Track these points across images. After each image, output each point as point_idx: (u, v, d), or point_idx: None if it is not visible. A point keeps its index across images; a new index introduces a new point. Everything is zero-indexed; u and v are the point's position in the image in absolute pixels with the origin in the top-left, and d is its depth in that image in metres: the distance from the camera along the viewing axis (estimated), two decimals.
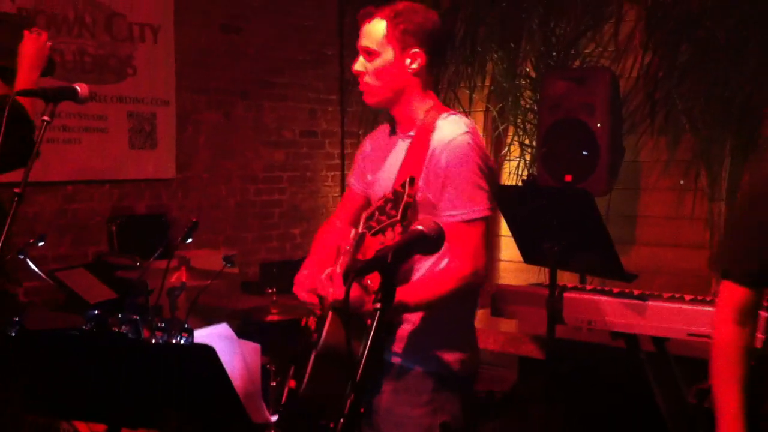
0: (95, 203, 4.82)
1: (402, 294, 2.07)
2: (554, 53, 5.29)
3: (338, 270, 2.13)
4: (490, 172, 2.26)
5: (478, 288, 2.28)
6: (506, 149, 5.63)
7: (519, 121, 5.48)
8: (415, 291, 2.16)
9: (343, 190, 6.23)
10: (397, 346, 2.27)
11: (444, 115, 2.30)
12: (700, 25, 4.58)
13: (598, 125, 4.50)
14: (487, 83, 5.71)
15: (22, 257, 2.21)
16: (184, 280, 3.39)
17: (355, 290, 2.02)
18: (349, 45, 6.06)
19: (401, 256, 1.66)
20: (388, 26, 2.26)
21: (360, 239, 2.03)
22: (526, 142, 5.43)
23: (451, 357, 2.29)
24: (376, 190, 2.41)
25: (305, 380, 2.22)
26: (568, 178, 4.59)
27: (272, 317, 3.85)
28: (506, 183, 5.45)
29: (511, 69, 5.49)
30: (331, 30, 6.08)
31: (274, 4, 5.71)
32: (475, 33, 5.52)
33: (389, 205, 1.70)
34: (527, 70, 5.49)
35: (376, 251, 1.71)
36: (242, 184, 5.64)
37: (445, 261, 2.19)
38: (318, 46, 6.02)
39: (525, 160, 5.42)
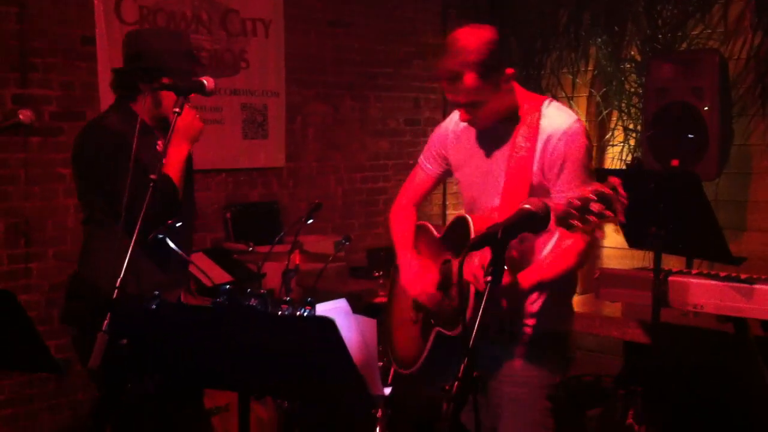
0: (212, 192, 5.06)
1: (539, 273, 2.37)
2: (660, 36, 5.22)
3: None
4: (592, 151, 2.46)
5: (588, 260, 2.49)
6: (610, 134, 5.59)
7: (623, 105, 5.44)
8: (548, 269, 2.39)
9: None
10: (527, 316, 2.48)
11: (545, 103, 2.44)
12: None
13: (706, 109, 4.44)
14: (590, 68, 5.68)
15: (161, 237, 2.39)
16: (298, 263, 3.55)
17: (507, 276, 2.19)
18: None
19: (510, 232, 1.77)
20: (479, 78, 2.34)
21: (526, 238, 2.12)
22: (630, 126, 5.39)
23: (564, 320, 2.57)
24: (470, 173, 2.56)
25: (425, 354, 2.40)
26: (675, 162, 4.54)
27: (380, 299, 4.00)
28: (609, 167, 5.42)
29: (615, 53, 5.45)
30: (433, 22, 6.18)
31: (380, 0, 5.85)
32: (579, 18, 5.51)
33: (597, 205, 1.77)
34: (632, 53, 5.44)
35: (487, 228, 1.81)
36: (349, 173, 5.81)
37: (555, 237, 2.38)
38: (421, 38, 6.12)
39: (629, 145, 5.37)
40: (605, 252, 5.73)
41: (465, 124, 2.56)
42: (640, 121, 5.10)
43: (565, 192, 2.31)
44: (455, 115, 2.63)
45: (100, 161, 2.70)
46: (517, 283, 2.30)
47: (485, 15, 5.84)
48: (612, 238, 5.53)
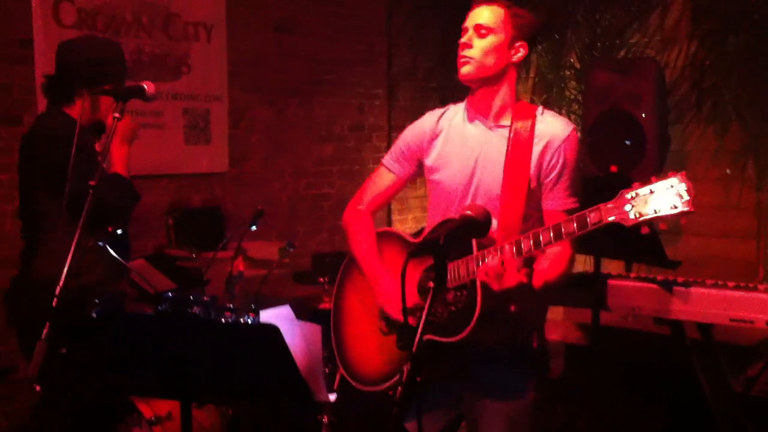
0: (153, 197, 4.99)
1: (542, 275, 2.30)
2: (599, 44, 5.32)
3: (508, 257, 2.18)
4: None
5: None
6: None
7: (563, 112, 5.53)
8: (550, 272, 2.34)
9: None
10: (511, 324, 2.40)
11: (540, 109, 2.47)
12: (746, 15, 4.58)
13: (644, 115, 4.54)
14: (531, 74, 5.77)
15: (101, 244, 2.36)
16: (241, 269, 3.52)
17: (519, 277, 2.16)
18: (396, 43, 6.18)
19: (452, 238, 1.78)
20: (506, 14, 2.41)
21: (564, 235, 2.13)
22: None
23: (539, 331, 2.50)
24: (450, 175, 2.48)
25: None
26: (614, 168, 4.63)
27: (324, 305, 3.99)
28: None
29: (555, 60, 5.54)
30: (379, 28, 6.20)
31: (324, 4, 5.84)
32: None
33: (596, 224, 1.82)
34: (572, 60, 5.54)
35: (428, 233, 1.82)
36: (293, 178, 5.79)
37: None
38: (367, 44, 6.14)
39: None
40: None
41: (446, 123, 2.54)
42: (580, 127, 5.19)
43: (559, 199, 2.37)
44: (433, 116, 2.59)
45: (57, 162, 2.66)
46: (529, 285, 2.23)
47: (429, 19, 5.90)
48: None
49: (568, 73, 5.55)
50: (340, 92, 6.02)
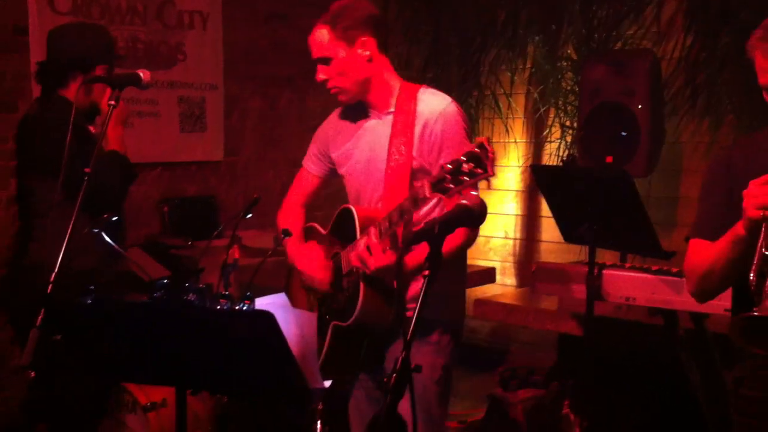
0: (148, 186, 4.99)
1: (420, 254, 2.33)
2: (595, 36, 5.32)
3: (374, 240, 2.30)
4: (470, 133, 2.53)
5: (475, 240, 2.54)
6: (547, 131, 5.69)
7: (560, 103, 5.53)
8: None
9: None
10: (410, 301, 2.48)
11: (422, 90, 2.52)
12: (742, 9, 4.58)
13: (639, 107, 4.54)
14: (528, 65, 5.76)
15: (96, 231, 2.37)
16: (236, 257, 3.52)
17: (389, 256, 2.19)
18: (392, 30, 6.15)
19: (447, 228, 1.79)
20: (329, 31, 2.50)
21: (407, 211, 2.16)
22: (567, 123, 5.49)
23: (450, 307, 2.57)
24: (352, 167, 2.62)
25: (325, 350, 2.43)
26: (609, 159, 4.63)
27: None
28: (547, 164, 5.52)
29: (552, 52, 5.54)
30: None
31: None
32: (517, 17, 5.58)
33: (467, 165, 1.83)
34: (568, 52, 5.54)
35: (424, 223, 1.84)
36: (287, 167, 5.77)
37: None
38: None
39: (566, 142, 5.47)
40: (543, 246, 5.84)
41: (346, 116, 2.66)
42: (576, 119, 5.20)
43: None
44: (334, 115, 2.77)
45: (53, 144, 2.66)
46: (402, 264, 2.31)
47: (424, 11, 5.89)
48: (550, 232, 5.64)
49: (564, 64, 5.54)
50: None
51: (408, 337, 1.69)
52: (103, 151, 2.82)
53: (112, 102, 2.44)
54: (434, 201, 2.29)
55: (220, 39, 5.28)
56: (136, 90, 2.67)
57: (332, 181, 2.88)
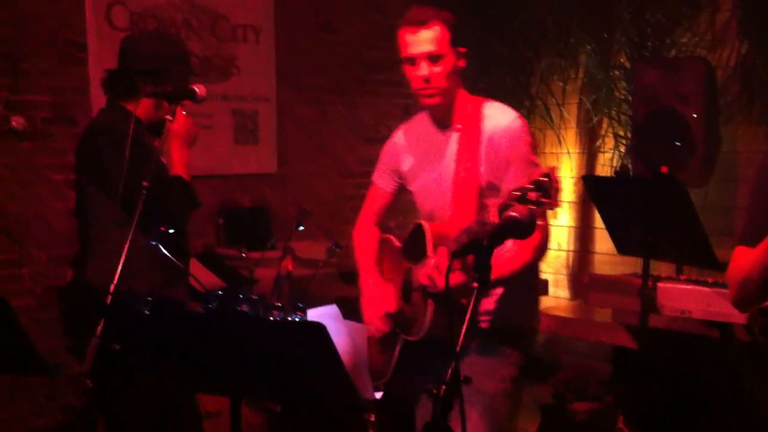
0: (203, 197, 5.02)
1: (496, 270, 2.28)
2: (648, 43, 5.26)
3: (443, 260, 2.30)
4: (537, 148, 2.53)
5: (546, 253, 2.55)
6: (600, 140, 5.63)
7: (613, 112, 5.47)
8: (506, 264, 2.41)
9: None
10: (484, 312, 2.52)
11: (485, 104, 2.51)
12: None
13: (694, 115, 4.48)
14: (580, 75, 5.72)
15: (154, 244, 2.41)
16: (290, 268, 3.57)
17: (459, 276, 2.20)
18: None
19: (496, 239, 1.80)
20: (446, 31, 2.43)
21: (474, 228, 2.16)
22: (620, 133, 5.43)
23: (522, 316, 2.59)
24: (422, 185, 2.61)
25: (394, 362, 2.44)
26: (664, 169, 4.57)
27: None
28: (600, 174, 5.46)
29: (604, 60, 5.49)
30: None
31: (369, 4, 5.87)
32: (568, 25, 5.55)
33: (534, 194, 1.84)
34: (621, 60, 5.48)
35: (411, 235, 1.87)
36: (339, 178, 5.83)
37: None
38: None
39: (619, 152, 5.41)
40: (596, 258, 5.76)
41: (419, 127, 2.62)
42: (630, 127, 5.14)
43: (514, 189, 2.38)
44: (401, 129, 2.74)
45: (114, 157, 2.64)
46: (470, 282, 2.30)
47: (471, 20, 5.88)
48: (603, 244, 5.56)
49: (617, 73, 5.48)
50: (385, 92, 6.03)
51: (458, 349, 1.70)
52: (166, 171, 2.80)
53: (169, 117, 2.49)
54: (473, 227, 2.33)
55: (272, 52, 5.36)
56: (192, 104, 2.70)
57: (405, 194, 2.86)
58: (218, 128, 5.14)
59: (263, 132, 5.37)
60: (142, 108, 2.76)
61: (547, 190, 1.84)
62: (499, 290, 2.51)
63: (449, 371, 1.67)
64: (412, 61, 2.46)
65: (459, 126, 2.50)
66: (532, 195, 1.84)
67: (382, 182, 2.81)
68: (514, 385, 2.55)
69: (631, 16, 5.29)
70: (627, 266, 4.80)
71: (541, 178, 1.85)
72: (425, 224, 2.49)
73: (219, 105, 5.13)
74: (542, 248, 2.47)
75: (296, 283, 3.77)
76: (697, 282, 3.32)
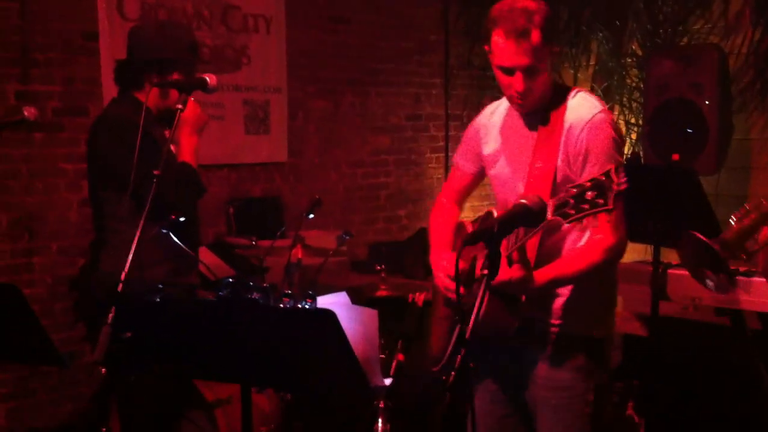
0: (214, 187, 5.08)
1: (558, 268, 2.27)
2: (661, 31, 5.24)
3: (502, 252, 2.11)
4: (622, 145, 2.36)
5: (620, 258, 2.38)
6: None
7: (625, 100, 5.46)
8: (569, 264, 2.30)
9: (446, 172, 6.34)
10: (554, 316, 2.38)
11: (572, 93, 2.37)
12: None
13: (707, 103, 4.46)
14: (592, 62, 5.70)
15: (165, 232, 2.42)
16: (300, 257, 3.57)
17: (519, 270, 2.11)
18: (453, 31, 6.16)
19: (506, 227, 1.80)
20: (543, 38, 2.26)
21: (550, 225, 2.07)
22: (632, 120, 5.41)
23: (598, 323, 2.41)
24: (499, 171, 2.49)
25: (449, 351, 2.35)
26: (676, 156, 4.56)
27: (381, 293, 4.03)
28: None
29: (616, 48, 5.47)
30: (435, 18, 6.19)
31: None
32: (580, 13, 5.52)
33: (591, 193, 1.75)
34: (633, 48, 5.46)
35: (482, 221, 1.84)
36: (350, 168, 5.83)
37: (588, 233, 2.31)
38: (422, 34, 6.13)
39: (631, 139, 5.40)
40: None
41: (497, 116, 2.51)
42: (642, 116, 5.12)
43: None
44: (486, 112, 2.59)
45: (124, 147, 2.62)
46: (531, 279, 2.17)
47: (486, 10, 5.86)
48: None
49: (629, 60, 5.46)
50: (396, 82, 6.03)
51: (467, 336, 1.69)
52: (174, 159, 2.80)
53: (180, 106, 2.49)
54: (588, 232, 2.28)
55: (283, 42, 5.36)
56: (203, 93, 2.70)
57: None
58: (229, 118, 5.15)
59: (274, 122, 5.38)
60: (151, 98, 2.75)
61: (603, 190, 1.74)
62: (566, 292, 2.37)
63: (458, 358, 1.66)
64: (507, 71, 2.31)
65: (542, 116, 2.38)
66: (589, 194, 1.76)
67: (463, 163, 2.67)
68: (598, 394, 2.41)
69: (644, 4, 5.26)
70: (637, 253, 4.79)
71: (599, 176, 1.76)
72: (494, 212, 2.35)
73: (230, 95, 5.13)
74: (615, 251, 2.30)
75: (306, 272, 3.78)
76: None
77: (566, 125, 2.30)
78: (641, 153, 4.90)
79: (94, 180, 2.96)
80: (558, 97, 2.37)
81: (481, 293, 1.74)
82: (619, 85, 5.47)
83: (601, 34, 5.52)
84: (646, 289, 3.32)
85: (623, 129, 5.44)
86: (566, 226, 2.04)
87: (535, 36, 2.24)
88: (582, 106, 2.32)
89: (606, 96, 5.56)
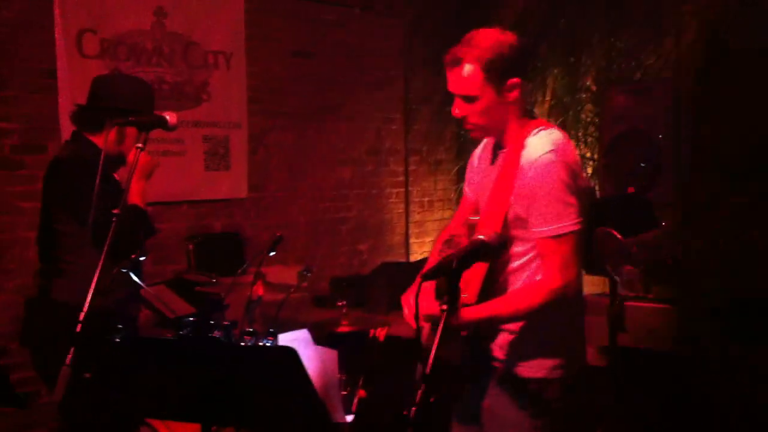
0: (174, 223, 5.06)
1: (497, 306, 2.25)
2: (615, 66, 5.36)
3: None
4: (579, 187, 2.29)
5: (573, 298, 2.32)
6: None
7: (580, 134, 5.56)
8: (508, 303, 2.27)
9: (407, 206, 6.39)
10: (499, 352, 2.37)
11: (534, 131, 2.35)
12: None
13: (660, 137, 4.56)
14: (547, 98, 5.81)
15: (125, 271, 2.42)
16: (261, 294, 3.56)
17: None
18: (412, 67, 6.25)
19: (465, 262, 1.82)
20: (480, 71, 2.29)
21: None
22: (588, 155, 5.51)
23: (549, 363, 2.34)
24: (479, 203, 2.54)
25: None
26: (631, 189, 4.65)
27: (343, 328, 4.02)
28: None
29: (572, 83, 5.58)
30: (396, 53, 6.28)
31: (342, 30, 5.92)
32: (536, 49, 5.64)
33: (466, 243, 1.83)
34: (588, 83, 5.58)
35: (442, 258, 1.87)
36: (312, 202, 5.85)
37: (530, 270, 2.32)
38: (384, 69, 6.21)
39: (587, 173, 5.49)
40: None
41: (489, 146, 2.54)
42: (597, 149, 5.22)
43: (538, 227, 2.25)
44: (480, 145, 2.63)
45: (82, 187, 2.71)
46: (459, 316, 2.11)
47: (447, 45, 5.95)
48: None
49: (584, 95, 5.58)
50: (357, 116, 6.08)
51: (427, 371, 1.70)
52: (125, 202, 2.86)
53: (140, 145, 2.50)
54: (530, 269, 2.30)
55: (243, 78, 5.38)
56: (163, 131, 2.73)
57: None
58: (189, 154, 5.14)
59: (234, 157, 5.38)
60: (106, 140, 2.84)
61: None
62: (515, 329, 2.34)
63: (418, 393, 1.67)
64: (452, 96, 2.38)
65: (504, 153, 2.41)
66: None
67: (467, 190, 2.70)
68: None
69: (598, 41, 5.39)
70: (596, 286, 4.86)
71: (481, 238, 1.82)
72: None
73: (190, 131, 5.13)
74: (558, 293, 2.23)
75: (268, 308, 3.77)
76: (665, 300, 3.37)
77: (521, 164, 2.31)
78: (597, 186, 4.99)
79: (49, 215, 3.01)
80: (522, 131, 2.37)
81: (440, 327, 1.76)
82: (574, 119, 5.58)
83: (556, 70, 5.63)
84: (603, 320, 3.36)
85: None
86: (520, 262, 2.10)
87: (467, 68, 2.30)
88: (534, 146, 2.30)
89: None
